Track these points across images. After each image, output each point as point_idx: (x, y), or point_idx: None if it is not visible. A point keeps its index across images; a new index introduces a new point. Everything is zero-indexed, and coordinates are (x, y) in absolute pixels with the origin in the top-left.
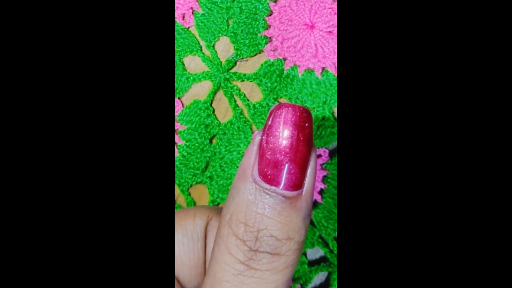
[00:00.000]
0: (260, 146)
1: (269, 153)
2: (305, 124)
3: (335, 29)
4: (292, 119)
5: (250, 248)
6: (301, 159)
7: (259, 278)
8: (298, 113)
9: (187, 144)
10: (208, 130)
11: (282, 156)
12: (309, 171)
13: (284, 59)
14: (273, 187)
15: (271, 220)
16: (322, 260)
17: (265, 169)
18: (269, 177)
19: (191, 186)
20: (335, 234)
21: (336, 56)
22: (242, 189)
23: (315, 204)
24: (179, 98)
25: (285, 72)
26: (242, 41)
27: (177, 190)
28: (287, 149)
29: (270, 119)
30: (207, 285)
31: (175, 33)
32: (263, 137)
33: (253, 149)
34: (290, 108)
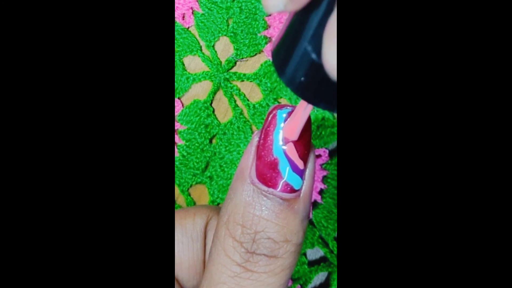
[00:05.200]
0: (258, 147)
1: (266, 154)
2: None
3: None
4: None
5: (247, 250)
6: None
7: (255, 281)
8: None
9: (187, 144)
10: (208, 130)
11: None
12: (307, 173)
13: None
14: (271, 189)
15: (269, 222)
16: (322, 260)
17: (263, 171)
18: (266, 178)
19: (191, 186)
20: (335, 234)
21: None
22: (239, 190)
23: (315, 204)
24: (179, 98)
25: None
26: (242, 41)
27: (177, 190)
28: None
29: (268, 120)
30: (204, 286)
31: (175, 33)
32: (261, 138)
33: (251, 150)
34: (287, 109)
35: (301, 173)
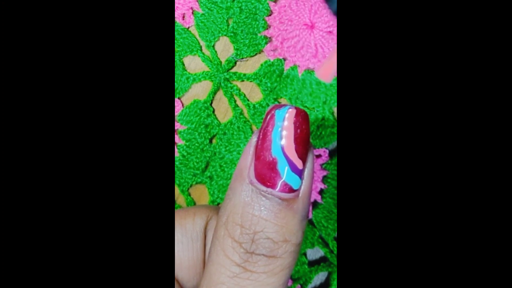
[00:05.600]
0: (256, 147)
1: (265, 154)
2: (301, 125)
3: (335, 29)
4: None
5: (246, 250)
6: None
7: (255, 281)
8: (294, 114)
9: (187, 144)
10: (208, 130)
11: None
12: (306, 173)
13: (284, 59)
14: (269, 189)
15: (268, 222)
16: (322, 260)
17: (261, 171)
18: (265, 179)
19: (191, 186)
20: (335, 234)
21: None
22: (238, 190)
23: (315, 204)
24: (179, 98)
25: (285, 72)
26: (242, 41)
27: (177, 190)
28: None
29: (266, 120)
30: (204, 286)
31: (175, 33)
32: (259, 138)
33: (250, 151)
34: (285, 109)
35: (300, 173)
